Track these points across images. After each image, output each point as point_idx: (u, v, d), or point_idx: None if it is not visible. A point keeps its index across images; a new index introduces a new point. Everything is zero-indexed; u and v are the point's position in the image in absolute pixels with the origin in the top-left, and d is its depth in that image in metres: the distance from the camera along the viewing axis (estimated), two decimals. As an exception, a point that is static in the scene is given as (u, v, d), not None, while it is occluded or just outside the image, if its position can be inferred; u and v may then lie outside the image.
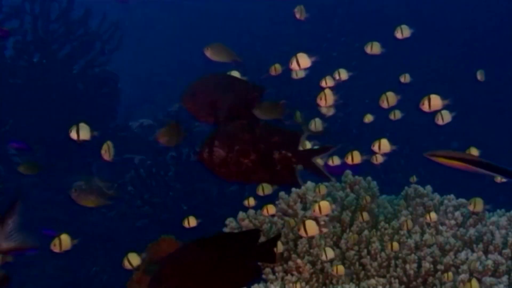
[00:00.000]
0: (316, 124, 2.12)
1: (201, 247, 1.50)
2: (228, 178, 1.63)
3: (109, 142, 1.92)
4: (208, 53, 1.87)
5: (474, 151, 2.05)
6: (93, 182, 2.17)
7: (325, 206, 2.03)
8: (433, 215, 2.21)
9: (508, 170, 1.75)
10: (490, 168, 1.77)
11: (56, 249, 1.99)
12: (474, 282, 1.97)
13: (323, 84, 2.15)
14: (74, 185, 2.15)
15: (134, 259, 2.04)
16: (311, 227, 1.97)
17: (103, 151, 1.92)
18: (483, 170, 1.76)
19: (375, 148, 2.09)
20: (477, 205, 2.22)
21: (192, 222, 2.16)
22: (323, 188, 2.27)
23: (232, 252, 1.51)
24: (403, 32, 2.20)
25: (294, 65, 1.92)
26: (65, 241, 1.98)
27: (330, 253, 2.08)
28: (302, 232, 1.98)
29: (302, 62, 1.92)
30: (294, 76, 2.16)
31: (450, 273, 2.09)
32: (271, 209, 2.20)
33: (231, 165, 1.60)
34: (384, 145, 2.09)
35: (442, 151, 1.81)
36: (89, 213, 3.77)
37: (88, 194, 2.15)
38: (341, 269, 2.08)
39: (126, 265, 2.05)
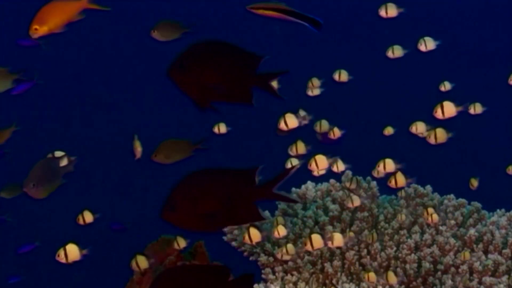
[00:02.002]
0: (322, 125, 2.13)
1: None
2: (194, 230, 1.62)
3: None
4: None
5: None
6: (46, 161, 1.88)
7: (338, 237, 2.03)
8: (431, 210, 2.21)
9: (314, 18, 1.82)
10: (298, 16, 1.84)
11: (61, 259, 1.80)
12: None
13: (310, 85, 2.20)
14: (27, 179, 1.84)
15: (142, 262, 2.03)
16: (317, 241, 1.98)
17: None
18: (293, 18, 1.81)
19: (380, 168, 2.10)
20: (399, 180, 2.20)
21: None
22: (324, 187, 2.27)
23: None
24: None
25: (282, 125, 1.94)
26: (72, 251, 1.80)
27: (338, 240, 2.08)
28: (308, 247, 1.98)
29: (290, 122, 1.94)
30: (310, 93, 2.18)
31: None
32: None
33: (196, 219, 1.58)
34: (388, 164, 2.10)
35: (262, 3, 1.84)
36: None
37: (47, 181, 1.86)
38: (372, 276, 2.08)
39: (134, 267, 2.04)
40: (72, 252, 1.81)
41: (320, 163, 2.00)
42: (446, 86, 2.26)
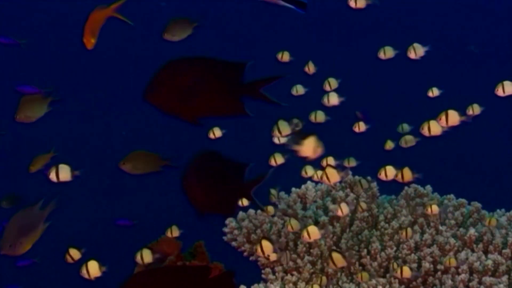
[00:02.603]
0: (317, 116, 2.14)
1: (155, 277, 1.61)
2: (198, 207, 1.62)
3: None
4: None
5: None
6: (21, 214, 1.84)
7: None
8: (435, 208, 2.19)
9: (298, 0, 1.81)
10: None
11: (85, 276, 1.86)
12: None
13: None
14: (3, 241, 1.79)
15: (147, 256, 2.03)
16: (314, 232, 1.98)
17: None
18: (278, 1, 1.82)
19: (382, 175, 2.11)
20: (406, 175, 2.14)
21: None
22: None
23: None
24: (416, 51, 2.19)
25: (276, 133, 1.97)
26: (93, 268, 1.86)
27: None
28: (306, 238, 1.99)
29: (283, 130, 1.96)
30: (294, 92, 2.20)
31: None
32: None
33: (204, 197, 1.60)
34: (389, 171, 2.10)
35: None
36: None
37: (25, 235, 1.82)
38: (365, 276, 2.08)
39: (138, 260, 2.05)
40: (93, 268, 1.88)
41: (332, 178, 2.01)
42: (434, 92, 2.26)
